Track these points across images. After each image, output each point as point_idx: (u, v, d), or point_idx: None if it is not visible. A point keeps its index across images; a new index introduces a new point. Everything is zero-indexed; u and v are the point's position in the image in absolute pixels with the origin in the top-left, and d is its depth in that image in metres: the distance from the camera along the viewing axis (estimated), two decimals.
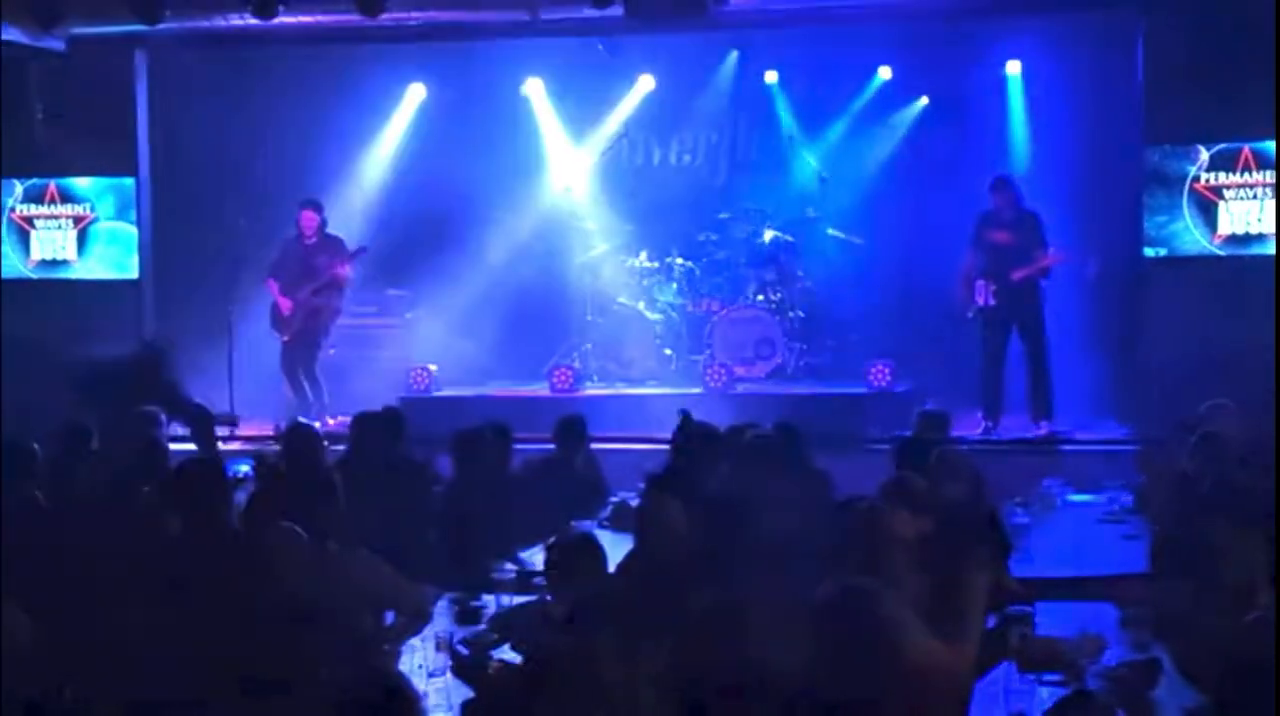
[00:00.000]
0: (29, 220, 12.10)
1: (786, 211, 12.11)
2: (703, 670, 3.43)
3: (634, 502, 6.31)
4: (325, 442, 7.39)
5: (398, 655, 4.69)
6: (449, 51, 12.30)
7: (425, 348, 12.08)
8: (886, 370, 10.87)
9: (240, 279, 11.65)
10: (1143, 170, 10.63)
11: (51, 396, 9.17)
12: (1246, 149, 10.42)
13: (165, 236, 12.20)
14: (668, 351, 11.73)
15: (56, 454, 6.78)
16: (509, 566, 5.73)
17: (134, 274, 11.98)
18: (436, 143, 12.54)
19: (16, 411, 9.55)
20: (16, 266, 12.06)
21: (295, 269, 11.24)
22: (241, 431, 10.62)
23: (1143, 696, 4.08)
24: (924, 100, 12.26)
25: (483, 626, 5.07)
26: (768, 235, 11.87)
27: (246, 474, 6.90)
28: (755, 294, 11.78)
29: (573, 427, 7.76)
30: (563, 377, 11.34)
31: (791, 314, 11.74)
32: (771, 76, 12.56)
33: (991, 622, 4.37)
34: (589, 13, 10.37)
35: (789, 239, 11.85)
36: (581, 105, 12.71)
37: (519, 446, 7.46)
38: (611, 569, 4.90)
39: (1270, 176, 10.35)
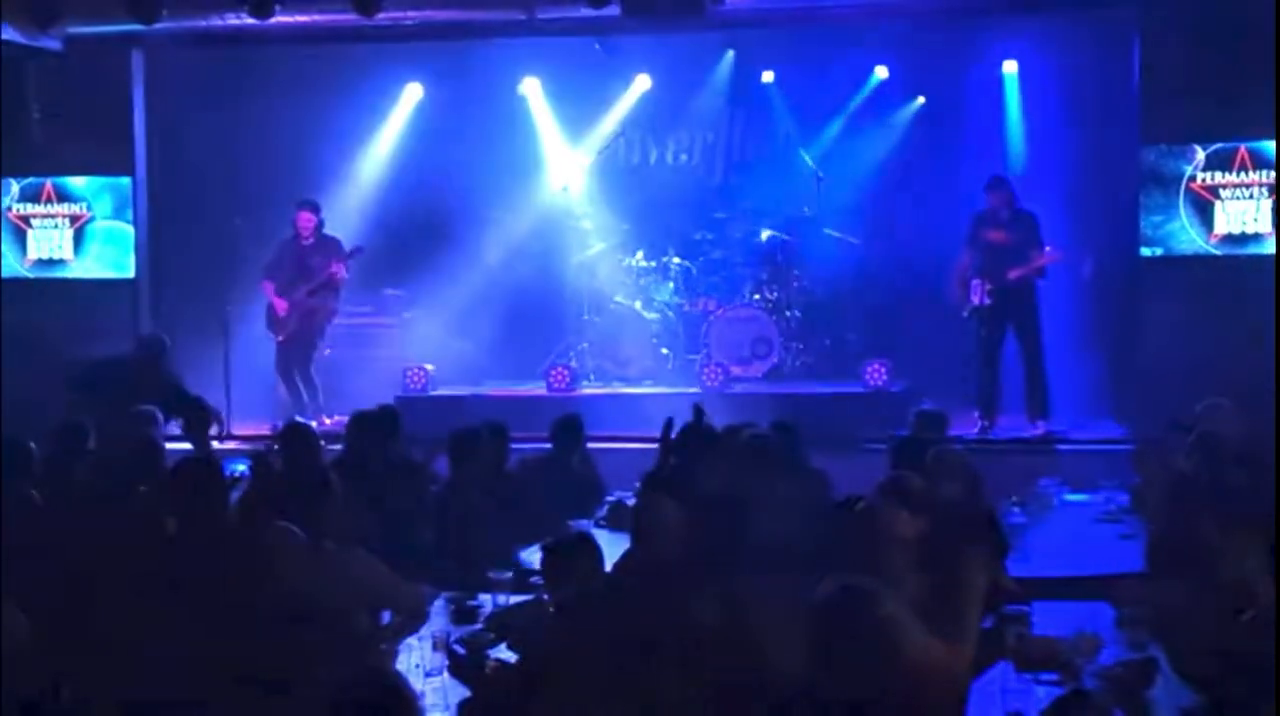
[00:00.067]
0: (26, 219, 12.08)
1: (783, 211, 12.09)
2: (702, 670, 3.43)
3: (631, 502, 6.32)
4: (322, 442, 7.40)
5: (394, 654, 4.69)
6: (446, 51, 12.27)
7: (422, 347, 12.08)
8: (883, 369, 10.88)
9: (237, 279, 11.62)
10: (1139, 170, 10.63)
11: (48, 395, 9.19)
12: (1243, 148, 10.43)
13: (162, 236, 12.21)
14: (664, 351, 11.73)
15: (53, 452, 6.78)
16: (506, 566, 5.73)
17: (130, 273, 11.97)
18: (433, 142, 12.52)
19: (13, 410, 9.55)
20: (13, 265, 12.04)
21: (291, 270, 11.24)
22: (238, 431, 10.60)
23: (1139, 695, 4.07)
24: (921, 100, 12.26)
25: (479, 626, 5.07)
26: (764, 235, 11.87)
27: (243, 473, 6.89)
28: (752, 293, 11.78)
29: (569, 427, 7.77)
30: (559, 377, 11.34)
31: (788, 313, 11.73)
32: (768, 76, 12.55)
33: (988, 622, 4.38)
34: (586, 12, 10.37)
35: (786, 238, 11.85)
36: (578, 105, 12.69)
37: (516, 445, 7.47)
38: (608, 568, 4.89)
39: (1266, 176, 10.36)
